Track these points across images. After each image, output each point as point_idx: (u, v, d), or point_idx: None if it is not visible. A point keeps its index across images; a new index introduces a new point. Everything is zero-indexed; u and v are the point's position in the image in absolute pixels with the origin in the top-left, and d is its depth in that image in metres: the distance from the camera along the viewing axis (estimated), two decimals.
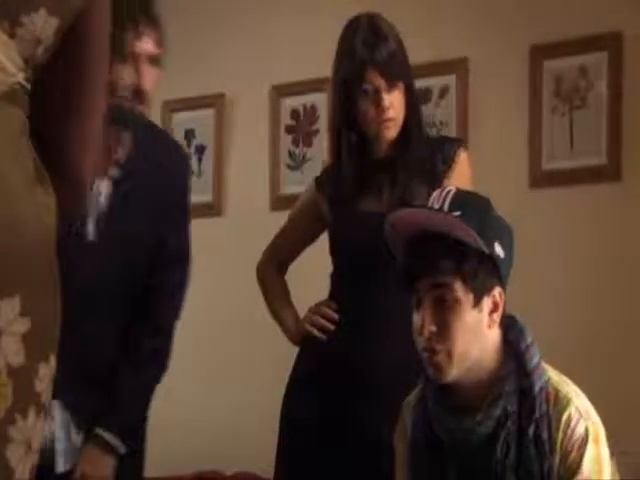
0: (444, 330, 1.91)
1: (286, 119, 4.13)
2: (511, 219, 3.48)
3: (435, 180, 2.43)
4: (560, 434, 1.90)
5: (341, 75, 2.47)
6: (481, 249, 1.90)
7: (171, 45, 4.38)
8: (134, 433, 2.29)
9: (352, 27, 2.47)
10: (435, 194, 1.99)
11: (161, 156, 2.36)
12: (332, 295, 2.55)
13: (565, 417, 1.90)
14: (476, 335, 1.92)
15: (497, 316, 1.95)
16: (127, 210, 2.24)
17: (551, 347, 3.32)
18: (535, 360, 1.96)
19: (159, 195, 2.31)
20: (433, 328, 1.91)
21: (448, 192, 1.97)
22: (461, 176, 2.48)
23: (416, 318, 1.94)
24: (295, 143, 4.10)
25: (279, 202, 4.04)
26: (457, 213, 1.92)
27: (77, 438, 2.21)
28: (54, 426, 2.17)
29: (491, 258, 1.92)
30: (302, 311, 2.60)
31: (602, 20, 3.48)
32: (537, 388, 1.93)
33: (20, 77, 1.19)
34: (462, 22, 3.78)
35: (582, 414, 1.91)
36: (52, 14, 1.20)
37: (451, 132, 3.76)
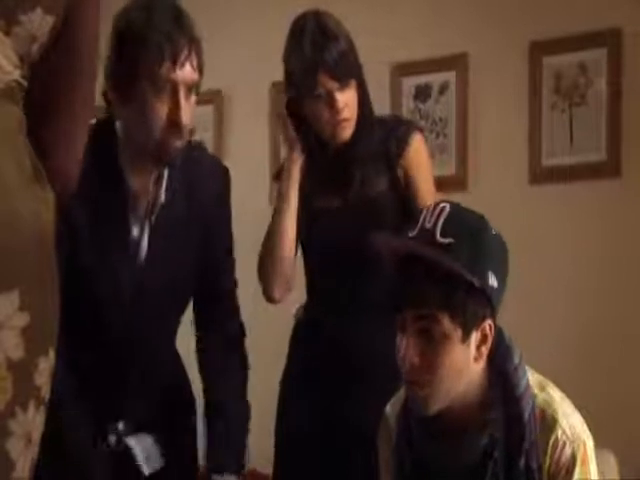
0: (429, 364, 1.79)
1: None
2: (511, 215, 3.53)
3: (390, 165, 2.43)
4: (547, 460, 1.81)
5: (292, 78, 2.43)
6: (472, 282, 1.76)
7: None
8: (244, 456, 2.26)
9: (299, 27, 2.41)
10: (427, 212, 1.83)
11: (200, 183, 2.20)
12: (308, 292, 2.56)
13: (552, 441, 1.81)
14: (462, 371, 1.80)
15: (485, 349, 1.81)
16: (169, 254, 2.15)
17: (552, 343, 3.36)
18: (523, 383, 1.84)
19: (201, 225, 2.20)
20: (416, 360, 1.79)
21: (441, 211, 1.82)
22: (416, 159, 2.45)
23: (399, 343, 1.82)
24: None
25: None
26: (448, 240, 1.78)
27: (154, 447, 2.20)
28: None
29: (483, 289, 1.78)
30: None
31: (602, 17, 3.48)
32: (527, 415, 1.82)
33: (16, 74, 1.19)
34: (462, 18, 3.78)
35: (569, 436, 1.81)
36: (48, 12, 1.21)
37: (450, 128, 3.77)
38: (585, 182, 3.49)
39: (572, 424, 1.83)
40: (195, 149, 2.24)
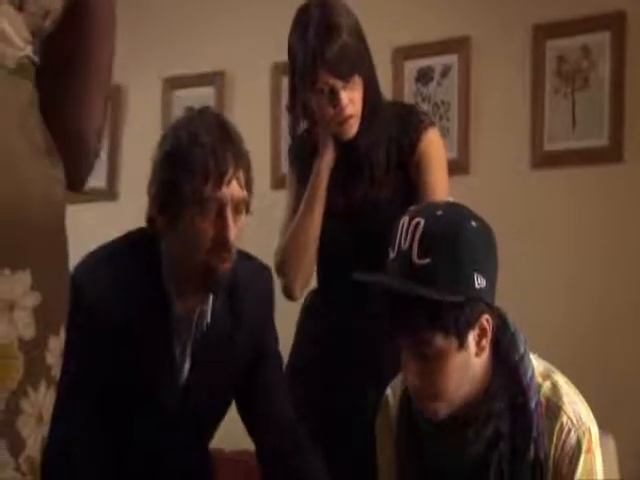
0: (431, 383, 1.79)
1: (287, 97, 4.10)
2: (512, 199, 3.53)
3: (402, 163, 2.39)
4: (552, 448, 1.81)
5: (296, 71, 2.38)
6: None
7: (172, 23, 4.39)
8: None
9: (304, 15, 2.36)
10: (402, 228, 1.79)
11: (243, 290, 2.13)
12: (319, 284, 2.56)
13: (557, 429, 1.81)
14: (465, 371, 1.80)
15: (486, 341, 1.80)
16: (213, 371, 2.10)
17: (553, 329, 3.36)
18: (529, 373, 1.83)
19: (246, 332, 2.14)
20: (418, 383, 1.80)
21: (416, 228, 1.77)
22: (430, 156, 2.40)
23: (402, 363, 1.84)
24: None
25: (280, 181, 4.03)
26: (426, 262, 1.74)
27: None
28: None
29: (474, 293, 1.76)
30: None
31: (605, 0, 3.47)
32: (533, 405, 1.81)
33: (28, 50, 1.19)
34: (464, 1, 3.77)
35: (574, 423, 1.82)
36: None
37: (453, 111, 3.75)
38: (587, 167, 3.48)
39: (577, 411, 1.83)
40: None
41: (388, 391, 2.00)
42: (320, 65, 2.28)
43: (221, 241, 1.96)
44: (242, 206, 1.99)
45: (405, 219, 1.81)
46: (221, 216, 1.96)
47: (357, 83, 2.34)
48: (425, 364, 1.78)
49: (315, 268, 2.52)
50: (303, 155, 2.53)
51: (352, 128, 2.37)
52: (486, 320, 1.79)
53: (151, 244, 2.05)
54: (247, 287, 2.13)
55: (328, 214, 2.43)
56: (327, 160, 2.43)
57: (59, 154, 1.24)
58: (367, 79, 2.37)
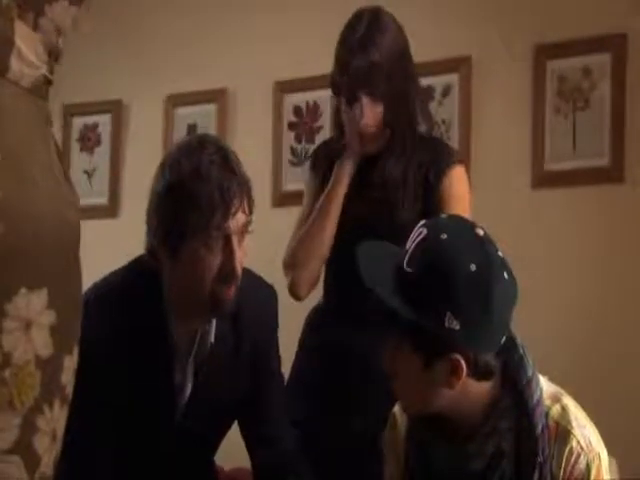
0: (395, 382, 1.83)
1: (289, 115, 4.13)
2: (513, 219, 3.53)
3: (426, 194, 2.40)
4: (561, 472, 1.78)
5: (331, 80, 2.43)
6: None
7: (174, 40, 4.41)
8: None
9: (354, 21, 2.42)
10: (415, 228, 1.80)
11: (247, 310, 2.12)
12: (325, 291, 2.56)
13: (566, 453, 1.78)
14: (430, 392, 1.78)
15: (457, 379, 1.75)
16: (214, 393, 2.10)
17: (555, 347, 3.36)
18: (536, 396, 1.80)
19: (250, 353, 2.14)
20: (386, 366, 1.82)
21: (418, 235, 1.77)
22: (453, 192, 2.43)
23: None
24: (298, 140, 4.10)
25: (281, 198, 4.04)
26: (410, 270, 1.74)
27: None
28: None
29: (441, 330, 1.71)
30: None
31: (606, 21, 3.49)
32: (539, 429, 1.78)
33: (44, 69, 1.19)
34: (466, 21, 3.78)
35: (583, 447, 1.78)
36: (73, 3, 1.21)
37: (453, 131, 3.77)
38: (588, 187, 3.49)
39: (587, 436, 1.81)
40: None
41: (396, 409, 1.99)
42: (345, 74, 2.34)
43: (228, 271, 1.95)
44: (246, 230, 1.98)
45: (422, 222, 1.81)
46: (228, 246, 1.94)
47: (380, 105, 2.38)
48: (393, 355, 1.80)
49: (323, 273, 2.54)
50: (326, 161, 2.53)
51: (369, 144, 2.41)
52: (456, 360, 1.74)
53: (150, 274, 2.04)
54: (250, 307, 2.12)
55: (341, 225, 2.44)
56: (348, 169, 2.43)
57: None
58: (393, 100, 2.40)
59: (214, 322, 2.07)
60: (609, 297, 3.41)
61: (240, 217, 1.95)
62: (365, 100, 2.35)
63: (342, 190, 2.43)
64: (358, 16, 2.44)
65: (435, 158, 2.44)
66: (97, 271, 2.15)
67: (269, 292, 2.23)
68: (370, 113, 2.37)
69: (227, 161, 1.97)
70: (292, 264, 2.46)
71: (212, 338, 2.07)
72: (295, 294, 2.47)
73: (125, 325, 2.00)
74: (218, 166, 1.94)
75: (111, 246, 3.92)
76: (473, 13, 3.77)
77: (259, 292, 2.19)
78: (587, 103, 3.52)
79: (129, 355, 1.99)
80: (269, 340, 2.22)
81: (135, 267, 2.10)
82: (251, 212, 1.99)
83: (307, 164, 2.65)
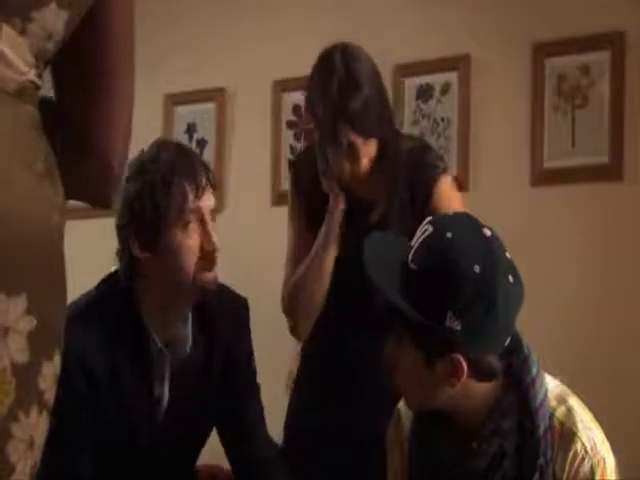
0: (394, 374, 1.83)
1: (288, 114, 4.12)
2: (512, 217, 3.52)
3: (415, 213, 2.33)
4: (564, 476, 1.75)
5: (316, 119, 2.32)
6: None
7: (174, 39, 4.40)
8: None
9: (327, 64, 2.29)
10: (422, 224, 1.80)
11: (219, 319, 2.19)
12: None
13: (571, 455, 1.75)
14: (429, 388, 1.79)
15: (457, 379, 1.75)
16: (190, 403, 2.14)
17: (552, 345, 3.35)
18: (540, 396, 1.77)
19: (223, 361, 2.19)
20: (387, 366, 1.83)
21: (423, 232, 1.77)
22: (444, 203, 2.37)
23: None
24: (297, 138, 4.10)
25: (280, 197, 4.04)
26: (413, 267, 1.74)
27: None
28: None
29: (441, 328, 1.71)
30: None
31: (605, 19, 3.48)
32: (542, 430, 1.75)
33: (31, 74, 1.18)
34: (464, 19, 3.78)
35: (588, 450, 1.75)
36: (62, 7, 1.19)
37: (452, 129, 3.76)
38: (587, 185, 3.48)
39: (592, 438, 1.77)
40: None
41: (400, 405, 1.99)
42: (341, 119, 2.25)
43: (209, 250, 2.03)
44: (214, 214, 2.08)
45: (429, 218, 1.81)
46: (203, 227, 2.04)
47: (374, 140, 2.34)
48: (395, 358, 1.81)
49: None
50: (309, 176, 2.45)
51: (362, 181, 2.36)
52: (457, 360, 1.74)
53: (124, 288, 2.09)
54: (220, 314, 2.18)
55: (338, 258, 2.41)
56: (337, 216, 2.39)
57: (83, 176, 1.26)
58: (385, 136, 2.36)
59: (190, 327, 2.11)
60: (608, 295, 3.40)
61: (209, 197, 2.05)
62: (363, 150, 2.31)
63: (335, 241, 2.39)
64: (329, 55, 2.32)
65: (420, 176, 2.39)
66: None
67: (240, 302, 2.27)
68: (365, 154, 2.32)
69: (182, 147, 2.11)
70: (293, 314, 2.44)
71: (190, 343, 2.11)
72: (297, 335, 2.48)
73: (104, 338, 2.04)
74: (177, 154, 2.05)
75: (107, 245, 3.91)
76: (471, 12, 3.76)
77: (229, 301, 2.23)
78: (586, 101, 3.51)
79: (108, 368, 2.03)
80: (242, 347, 2.25)
81: (107, 283, 2.14)
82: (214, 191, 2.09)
83: (289, 174, 2.60)
